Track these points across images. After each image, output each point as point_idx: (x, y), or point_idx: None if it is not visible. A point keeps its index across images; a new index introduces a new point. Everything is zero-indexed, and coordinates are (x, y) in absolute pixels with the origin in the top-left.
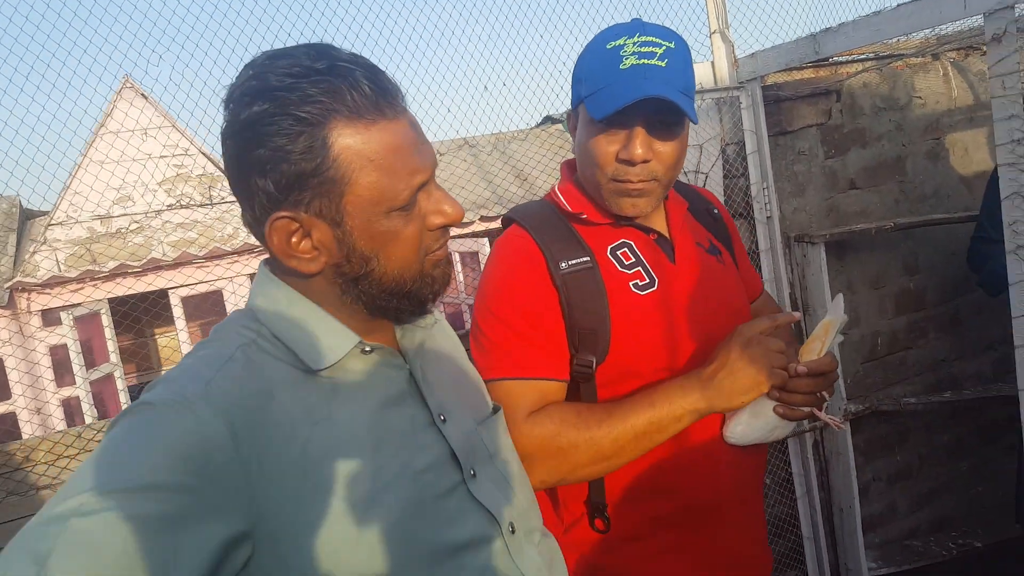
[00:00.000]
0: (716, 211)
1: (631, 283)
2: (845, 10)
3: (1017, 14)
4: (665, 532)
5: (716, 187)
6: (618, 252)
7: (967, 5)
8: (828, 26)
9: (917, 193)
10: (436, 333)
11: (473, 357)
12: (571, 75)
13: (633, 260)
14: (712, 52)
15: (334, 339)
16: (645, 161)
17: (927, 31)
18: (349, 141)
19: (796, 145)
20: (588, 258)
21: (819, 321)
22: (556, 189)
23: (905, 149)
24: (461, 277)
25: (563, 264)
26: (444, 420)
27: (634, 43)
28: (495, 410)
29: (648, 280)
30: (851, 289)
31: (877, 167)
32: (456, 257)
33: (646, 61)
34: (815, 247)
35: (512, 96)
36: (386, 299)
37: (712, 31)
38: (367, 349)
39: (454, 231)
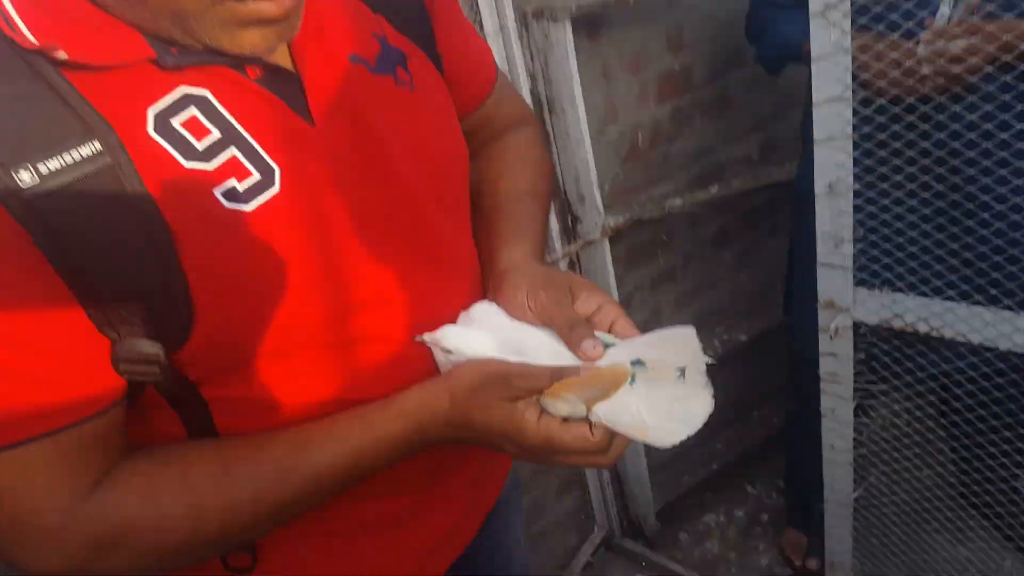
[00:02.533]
0: None
1: (219, 189)
2: None
3: None
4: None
5: None
6: (176, 122)
7: None
8: None
9: None
10: None
11: None
12: None
13: (216, 136)
14: None
15: None
16: None
17: None
18: None
19: None
20: (99, 145)
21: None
22: None
23: None
24: None
25: (28, 173)
26: None
27: None
28: None
29: (259, 174)
30: (607, 76)
31: None
32: None
33: None
34: (559, 25)
35: None
36: None
37: None
38: None
39: None
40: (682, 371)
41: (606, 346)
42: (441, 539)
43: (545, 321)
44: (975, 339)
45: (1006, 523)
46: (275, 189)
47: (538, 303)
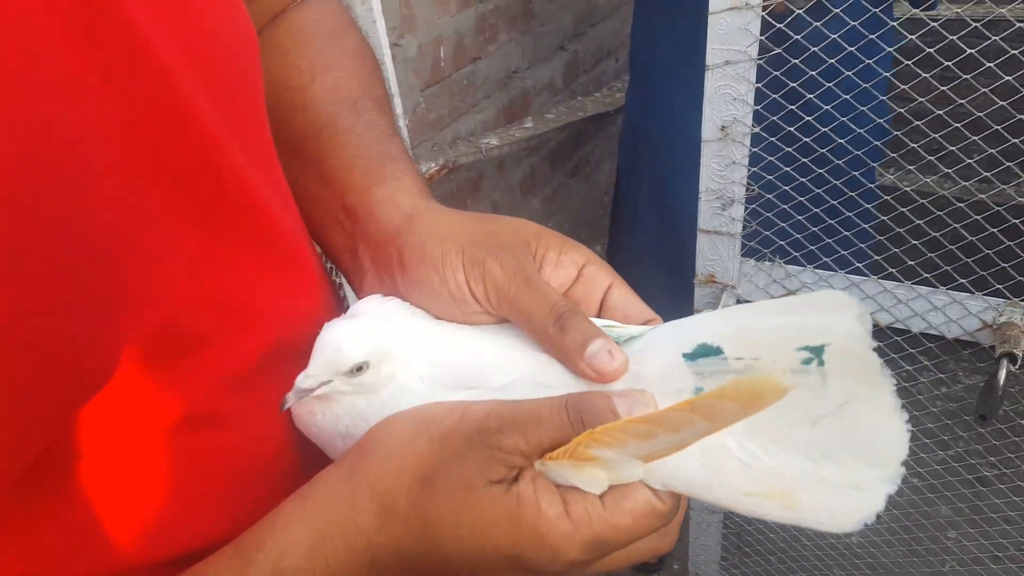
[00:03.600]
0: None
1: None
2: None
3: None
4: None
5: None
6: None
7: None
8: None
9: None
10: None
11: None
12: None
13: None
14: None
15: None
16: None
17: None
18: None
19: None
20: None
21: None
22: None
23: None
24: None
25: None
26: None
27: None
28: None
29: None
30: None
31: None
32: None
33: None
34: None
35: None
36: None
37: None
38: None
39: None
40: (816, 355)
41: (620, 343)
42: None
43: (507, 313)
44: (884, 320)
45: None
46: None
47: (487, 283)
